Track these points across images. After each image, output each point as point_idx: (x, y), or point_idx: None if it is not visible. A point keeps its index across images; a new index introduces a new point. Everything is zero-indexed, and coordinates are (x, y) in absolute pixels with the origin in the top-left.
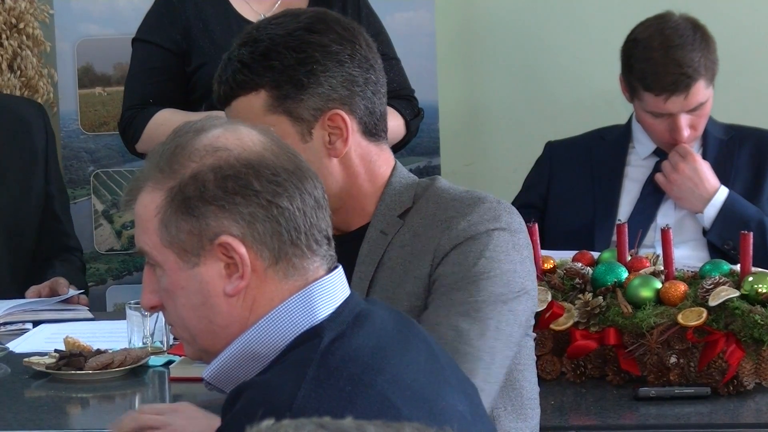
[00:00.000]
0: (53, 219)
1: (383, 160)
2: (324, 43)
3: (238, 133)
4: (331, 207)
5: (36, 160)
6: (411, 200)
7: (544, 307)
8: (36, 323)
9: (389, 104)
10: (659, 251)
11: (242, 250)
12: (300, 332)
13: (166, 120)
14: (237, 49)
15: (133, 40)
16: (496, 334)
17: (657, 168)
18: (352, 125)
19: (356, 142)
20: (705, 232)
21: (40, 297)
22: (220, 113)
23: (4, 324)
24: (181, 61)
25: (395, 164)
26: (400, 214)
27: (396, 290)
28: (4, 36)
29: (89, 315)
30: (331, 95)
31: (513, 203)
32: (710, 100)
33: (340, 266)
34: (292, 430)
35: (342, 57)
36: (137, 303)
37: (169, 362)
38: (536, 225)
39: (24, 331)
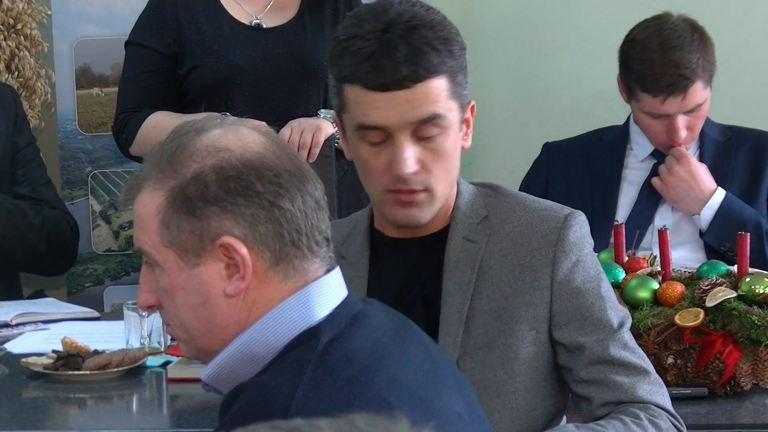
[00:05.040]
0: (25, 169)
1: None
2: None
3: (239, 133)
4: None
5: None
6: (484, 208)
7: None
8: (46, 323)
9: None
10: (657, 253)
11: (244, 251)
12: (297, 333)
13: (159, 123)
14: (416, 30)
15: (126, 44)
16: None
17: (655, 170)
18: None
19: None
20: (702, 234)
21: None
22: (219, 116)
23: (18, 325)
24: (173, 63)
25: None
26: (479, 221)
27: (510, 299)
28: (1, 36)
29: (96, 314)
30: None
31: None
32: (708, 102)
33: (338, 267)
34: None
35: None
36: (135, 303)
37: (167, 363)
38: None
39: (41, 330)
